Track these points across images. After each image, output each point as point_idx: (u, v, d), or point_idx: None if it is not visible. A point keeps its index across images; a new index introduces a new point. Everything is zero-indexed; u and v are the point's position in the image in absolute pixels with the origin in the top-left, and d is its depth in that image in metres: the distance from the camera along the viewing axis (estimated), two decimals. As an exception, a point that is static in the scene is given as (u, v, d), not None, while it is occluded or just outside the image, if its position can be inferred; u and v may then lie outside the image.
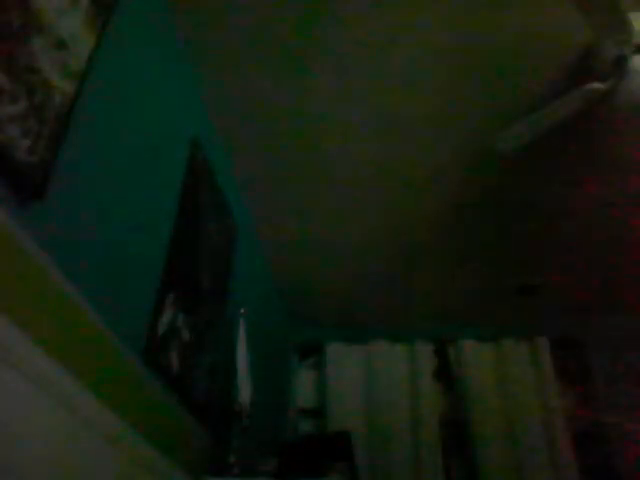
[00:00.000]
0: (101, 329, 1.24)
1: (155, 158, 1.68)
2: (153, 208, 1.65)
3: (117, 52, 1.43)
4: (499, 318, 3.76)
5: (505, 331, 3.78)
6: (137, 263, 1.52)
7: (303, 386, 3.83)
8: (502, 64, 1.99)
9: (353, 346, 3.83)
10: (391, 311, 3.77)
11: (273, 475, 2.00)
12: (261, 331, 2.92)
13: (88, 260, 1.25)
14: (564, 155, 2.40)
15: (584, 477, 3.21)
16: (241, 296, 2.52)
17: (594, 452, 3.34)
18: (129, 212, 1.48)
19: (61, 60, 1.12)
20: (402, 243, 3.05)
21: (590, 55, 1.89)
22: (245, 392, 2.12)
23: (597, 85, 1.78)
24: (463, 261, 3.21)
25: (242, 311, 2.30)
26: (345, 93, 2.13)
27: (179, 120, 1.90)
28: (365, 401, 3.58)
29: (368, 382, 3.65)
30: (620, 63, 1.68)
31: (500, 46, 1.92)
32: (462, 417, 3.52)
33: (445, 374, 3.75)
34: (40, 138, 1.04)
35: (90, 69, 1.23)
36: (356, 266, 3.28)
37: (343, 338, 3.85)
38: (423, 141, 2.36)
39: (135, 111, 1.54)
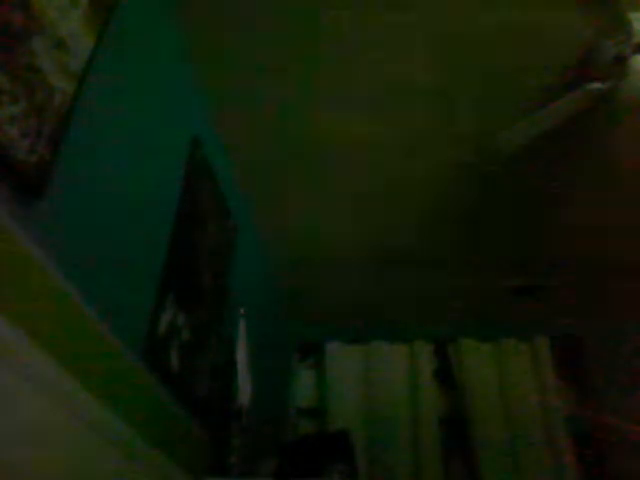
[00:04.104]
0: (101, 328, 1.24)
1: (155, 157, 1.68)
2: (153, 207, 1.65)
3: (117, 52, 1.43)
4: (499, 318, 3.76)
5: (505, 331, 3.78)
6: (137, 262, 1.52)
7: (303, 386, 3.83)
8: (502, 65, 1.99)
9: (353, 346, 3.83)
10: (391, 311, 3.77)
11: (273, 475, 2.00)
12: (261, 330, 2.92)
13: (88, 260, 1.25)
14: (564, 155, 2.40)
15: (583, 477, 3.21)
16: (241, 296, 2.52)
17: (593, 452, 3.34)
18: (129, 212, 1.48)
19: (61, 60, 1.12)
20: (402, 243, 3.05)
21: (590, 55, 1.89)
22: (245, 392, 2.13)
23: (597, 85, 1.78)
24: (463, 261, 3.21)
25: (241, 311, 2.30)
26: (345, 92, 2.13)
27: (179, 119, 1.90)
28: (365, 401, 3.58)
29: (368, 382, 3.65)
30: (620, 63, 1.68)
31: (500, 46, 1.92)
32: (462, 417, 3.51)
33: (445, 374, 3.75)
34: (40, 138, 1.04)
35: (90, 69, 1.23)
36: (356, 266, 3.28)
37: (343, 338, 3.85)
38: (422, 142, 2.36)
39: (135, 111, 1.54)
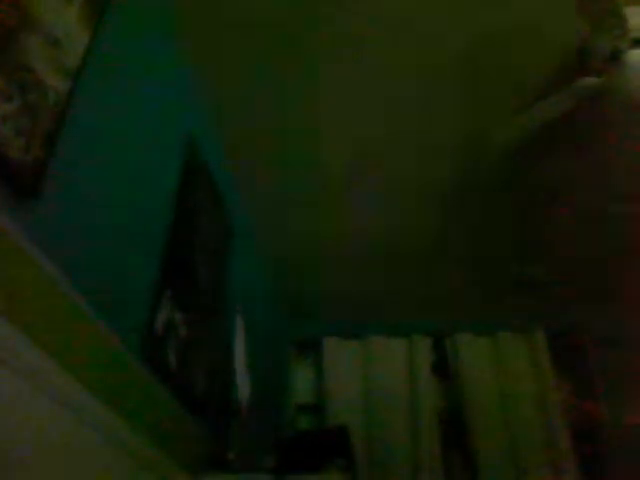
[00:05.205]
0: (98, 326, 1.23)
1: (151, 156, 1.68)
2: (149, 206, 1.64)
3: (112, 49, 1.42)
4: (496, 311, 3.77)
5: (502, 324, 3.79)
6: (134, 261, 1.52)
7: (301, 381, 3.83)
8: (498, 59, 1.99)
9: (351, 341, 3.83)
10: (388, 305, 3.77)
11: (272, 471, 2.01)
12: (259, 327, 2.92)
13: (84, 258, 1.25)
14: (561, 150, 2.40)
15: (581, 470, 3.23)
16: (239, 292, 2.52)
17: (591, 445, 3.35)
18: (125, 210, 1.47)
19: (55, 58, 1.11)
20: (399, 238, 3.05)
21: (585, 50, 1.89)
22: (243, 388, 2.13)
23: (592, 80, 1.78)
24: (461, 255, 3.21)
25: (237, 308, 2.31)
26: (342, 89, 2.13)
27: (175, 118, 1.90)
28: (363, 396, 3.59)
29: (366, 377, 3.66)
30: (615, 58, 1.68)
31: (496, 41, 1.92)
32: (460, 410, 3.53)
33: (443, 368, 3.76)
34: (34, 137, 1.04)
35: (84, 67, 1.23)
36: (353, 261, 3.28)
37: (341, 333, 3.86)
38: (420, 135, 2.36)
39: (130, 109, 1.54)
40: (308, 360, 3.95)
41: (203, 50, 1.96)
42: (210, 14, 1.84)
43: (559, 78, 2.02)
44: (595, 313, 3.67)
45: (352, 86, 2.11)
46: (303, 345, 3.99)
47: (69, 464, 1.10)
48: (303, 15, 1.84)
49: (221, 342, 2.21)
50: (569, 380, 3.63)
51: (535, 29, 1.87)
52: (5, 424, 0.91)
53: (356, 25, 1.88)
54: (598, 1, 1.52)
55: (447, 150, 2.43)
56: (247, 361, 2.23)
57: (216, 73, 2.05)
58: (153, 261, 1.64)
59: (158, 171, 1.73)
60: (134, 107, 1.57)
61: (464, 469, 3.42)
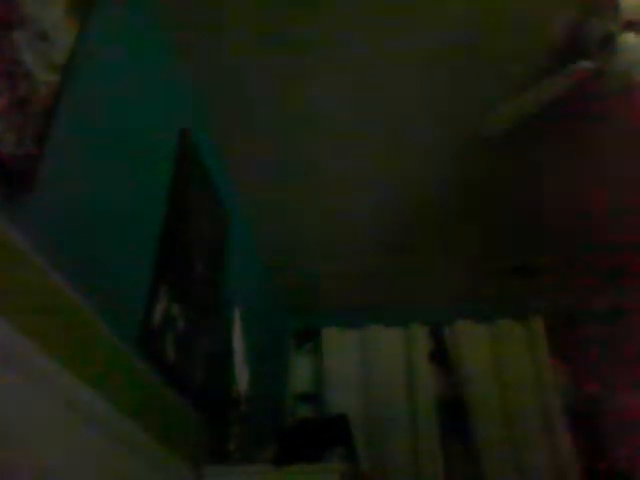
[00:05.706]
0: (96, 322, 1.24)
1: (144, 149, 1.67)
2: (143, 199, 1.64)
3: (102, 42, 1.41)
4: (494, 298, 3.78)
5: (500, 311, 3.80)
6: (129, 254, 1.51)
7: (300, 372, 3.85)
8: (489, 44, 1.98)
9: (349, 330, 3.84)
10: (387, 294, 3.78)
11: (272, 461, 2.02)
12: (257, 318, 2.93)
13: (79, 253, 1.24)
14: (557, 134, 2.40)
15: (579, 454, 3.25)
16: (236, 284, 2.52)
17: (589, 429, 3.38)
18: (119, 204, 1.47)
19: (44, 52, 1.10)
20: (397, 226, 3.05)
21: (578, 33, 1.88)
22: (242, 379, 2.14)
23: (585, 64, 1.77)
24: (458, 242, 3.22)
25: (236, 299, 2.31)
26: (335, 80, 2.12)
27: (169, 110, 1.89)
28: (362, 385, 3.61)
29: (365, 366, 3.67)
30: (608, 41, 1.67)
31: (486, 25, 1.91)
32: (459, 398, 3.55)
33: (441, 356, 3.77)
34: (26, 131, 1.03)
35: (74, 60, 1.22)
36: (351, 250, 3.28)
37: (339, 323, 3.87)
38: (415, 122, 2.36)
39: (122, 102, 1.53)
40: (307, 350, 3.96)
41: (197, 43, 1.94)
42: (201, 10, 1.82)
43: (551, 63, 2.01)
44: (593, 298, 3.69)
45: (350, 79, 2.10)
46: (302, 335, 4.00)
47: (69, 460, 1.11)
48: (299, 9, 1.83)
49: (220, 334, 2.21)
50: (567, 364, 3.64)
51: (527, 13, 1.86)
52: (5, 424, 0.91)
53: (355, 22, 1.88)
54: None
55: (446, 140, 2.43)
56: (246, 352, 2.23)
57: (210, 66, 2.04)
58: (149, 255, 1.64)
59: (151, 164, 1.72)
60: (125, 100, 1.56)
61: (464, 456, 3.44)
